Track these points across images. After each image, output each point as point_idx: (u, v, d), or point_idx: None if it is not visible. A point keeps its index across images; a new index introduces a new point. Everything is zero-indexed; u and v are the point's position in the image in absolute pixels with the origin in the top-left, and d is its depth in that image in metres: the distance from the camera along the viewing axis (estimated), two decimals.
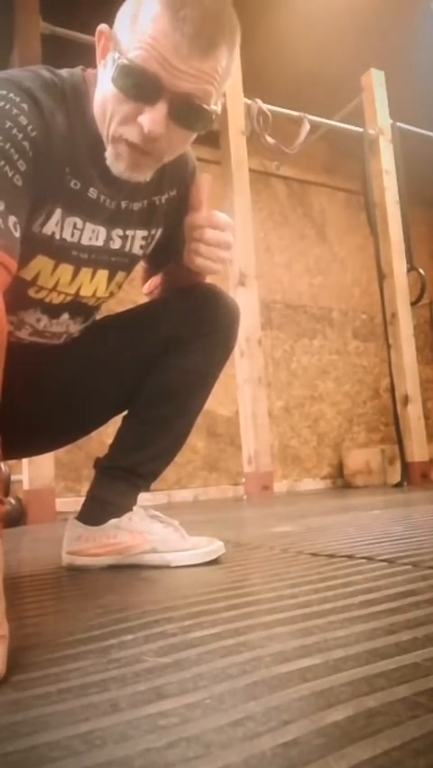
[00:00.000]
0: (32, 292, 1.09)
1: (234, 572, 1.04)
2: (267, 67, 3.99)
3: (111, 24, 0.95)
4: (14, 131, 0.88)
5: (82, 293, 1.13)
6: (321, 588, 0.86)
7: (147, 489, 1.26)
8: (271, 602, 0.80)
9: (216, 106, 0.96)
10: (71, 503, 3.39)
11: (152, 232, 1.17)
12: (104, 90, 0.96)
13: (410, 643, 0.59)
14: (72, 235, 1.04)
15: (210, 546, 1.16)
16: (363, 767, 0.36)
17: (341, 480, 4.51)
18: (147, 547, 1.16)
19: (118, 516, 1.19)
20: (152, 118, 0.91)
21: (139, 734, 0.43)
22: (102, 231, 1.08)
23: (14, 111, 0.89)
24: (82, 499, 1.25)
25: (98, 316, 1.29)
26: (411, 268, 3.96)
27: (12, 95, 0.89)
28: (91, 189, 1.03)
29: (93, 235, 1.07)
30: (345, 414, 4.78)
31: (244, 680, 0.52)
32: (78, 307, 1.17)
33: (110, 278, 1.16)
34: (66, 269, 1.08)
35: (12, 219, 0.84)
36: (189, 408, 1.26)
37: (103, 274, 1.14)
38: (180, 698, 0.49)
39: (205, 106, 0.94)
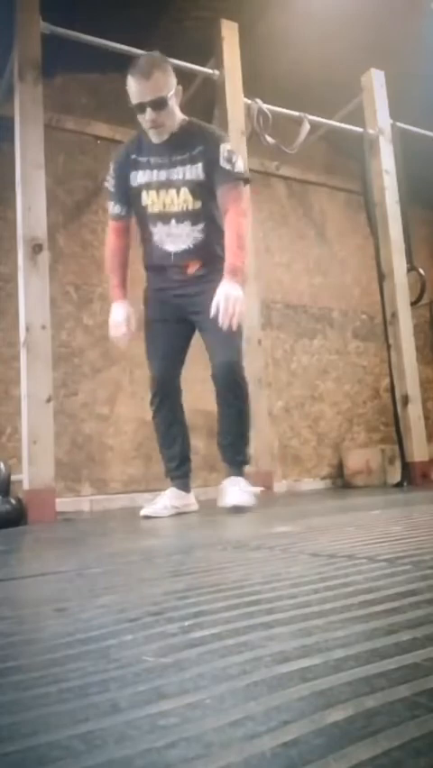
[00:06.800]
0: (148, 213, 2.44)
1: (235, 572, 1.04)
2: (267, 67, 3.99)
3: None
4: (111, 169, 2.53)
5: (167, 204, 2.41)
6: (321, 588, 0.86)
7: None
8: (271, 602, 0.80)
9: (170, 92, 2.32)
10: (71, 503, 3.39)
11: (196, 167, 2.37)
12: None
13: (410, 643, 0.59)
14: (149, 179, 2.42)
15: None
16: (363, 767, 0.36)
17: (341, 480, 4.50)
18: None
19: None
20: (147, 117, 2.35)
21: (139, 734, 0.43)
22: (164, 173, 2.40)
23: (112, 164, 2.54)
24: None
25: (200, 227, 2.41)
26: (411, 268, 3.95)
27: (115, 157, 2.55)
28: (150, 159, 2.43)
29: (158, 175, 2.41)
30: (345, 414, 4.78)
31: (244, 680, 0.52)
32: (176, 215, 2.39)
33: (177, 194, 2.39)
34: (153, 194, 2.42)
35: (114, 203, 2.52)
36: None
37: (173, 192, 2.40)
38: (180, 698, 0.49)
39: (162, 95, 2.30)
